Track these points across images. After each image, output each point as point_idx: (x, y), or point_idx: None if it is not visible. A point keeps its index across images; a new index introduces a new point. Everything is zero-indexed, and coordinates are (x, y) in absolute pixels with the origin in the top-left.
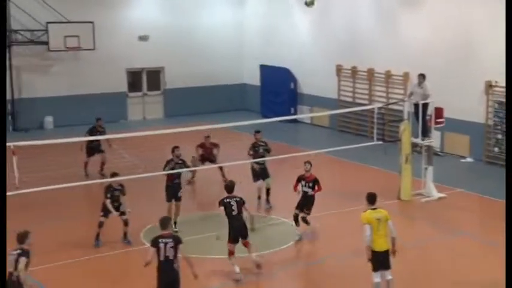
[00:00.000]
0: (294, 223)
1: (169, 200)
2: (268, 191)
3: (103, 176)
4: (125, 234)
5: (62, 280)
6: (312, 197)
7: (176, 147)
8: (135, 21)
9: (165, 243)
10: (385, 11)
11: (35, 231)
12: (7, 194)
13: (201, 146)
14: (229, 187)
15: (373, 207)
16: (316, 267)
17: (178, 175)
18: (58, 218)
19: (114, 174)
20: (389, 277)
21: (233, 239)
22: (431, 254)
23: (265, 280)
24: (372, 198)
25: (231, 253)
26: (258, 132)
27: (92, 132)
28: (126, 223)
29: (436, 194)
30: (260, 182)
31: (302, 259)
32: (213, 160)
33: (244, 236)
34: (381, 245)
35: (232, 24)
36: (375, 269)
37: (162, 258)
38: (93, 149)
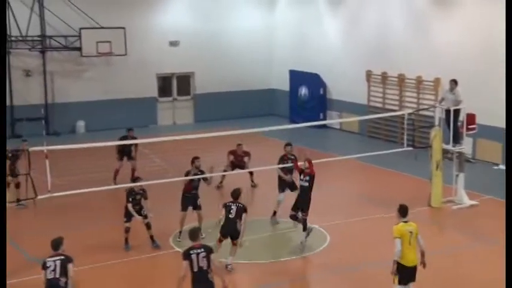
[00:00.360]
0: (294, 223)
1: (184, 209)
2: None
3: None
4: (152, 237)
5: (91, 283)
6: (308, 195)
7: (196, 158)
8: (166, 26)
9: (197, 254)
10: (416, 16)
11: (66, 234)
12: (39, 197)
13: (233, 153)
14: (234, 194)
15: (405, 220)
16: (345, 275)
17: (197, 186)
18: (89, 222)
19: (136, 179)
20: None
21: (222, 234)
22: (462, 261)
23: (296, 286)
24: (404, 211)
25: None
26: (288, 144)
27: (123, 141)
28: (148, 226)
29: (467, 201)
30: (282, 196)
31: (330, 266)
32: (242, 167)
33: (235, 237)
34: (412, 260)
35: (262, 30)
36: (401, 282)
37: (195, 269)
38: (124, 154)
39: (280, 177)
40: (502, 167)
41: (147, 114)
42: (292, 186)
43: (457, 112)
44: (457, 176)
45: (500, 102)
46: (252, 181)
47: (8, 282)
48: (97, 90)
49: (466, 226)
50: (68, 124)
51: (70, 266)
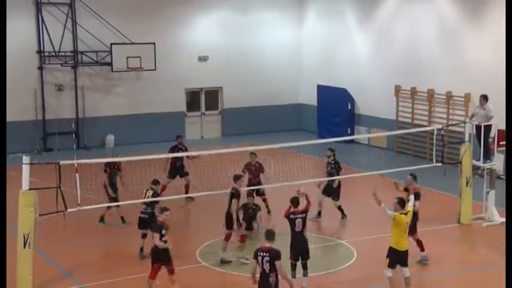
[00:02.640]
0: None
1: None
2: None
3: (190, 198)
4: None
5: None
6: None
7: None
8: (195, 42)
9: (262, 257)
10: (446, 31)
11: (95, 247)
12: (69, 210)
13: (247, 166)
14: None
15: (403, 212)
16: None
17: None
18: (118, 235)
19: (155, 182)
20: (408, 274)
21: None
22: (493, 279)
23: None
24: (403, 203)
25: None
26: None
27: (173, 151)
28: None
29: (498, 219)
30: (325, 199)
31: (356, 283)
32: (258, 184)
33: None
34: (404, 245)
35: (291, 45)
36: (392, 265)
37: (260, 269)
38: (177, 171)
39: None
40: None
41: (175, 128)
42: (334, 194)
43: (488, 128)
44: (487, 192)
45: None
46: (267, 207)
47: None
48: (126, 104)
49: (497, 244)
50: (97, 138)
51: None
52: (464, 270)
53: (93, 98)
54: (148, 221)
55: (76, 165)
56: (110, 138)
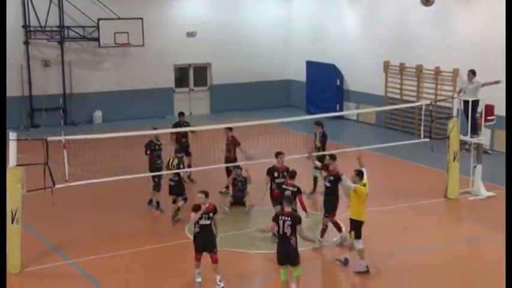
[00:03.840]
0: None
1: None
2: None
3: (192, 181)
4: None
5: (110, 271)
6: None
7: (238, 167)
8: (183, 17)
9: (284, 221)
10: (435, 6)
11: (83, 223)
12: (56, 186)
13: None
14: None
15: (363, 183)
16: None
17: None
18: (106, 211)
19: (178, 151)
20: (362, 246)
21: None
22: (479, 253)
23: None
24: (362, 174)
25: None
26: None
27: (177, 127)
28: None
29: (484, 193)
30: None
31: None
32: (234, 159)
33: None
34: (364, 216)
35: (279, 21)
36: (359, 236)
37: (281, 232)
38: (183, 149)
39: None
40: None
41: (163, 104)
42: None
43: (475, 103)
44: (474, 167)
45: None
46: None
47: (27, 269)
48: (114, 80)
49: (483, 217)
50: (85, 114)
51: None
52: (450, 244)
53: (80, 73)
54: (177, 188)
55: (64, 141)
56: (98, 114)
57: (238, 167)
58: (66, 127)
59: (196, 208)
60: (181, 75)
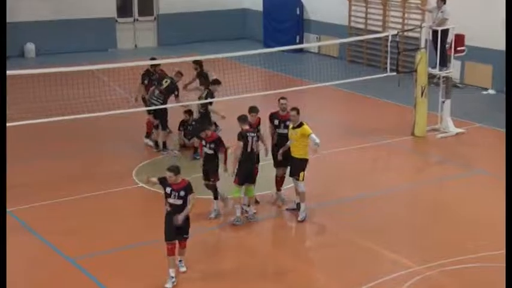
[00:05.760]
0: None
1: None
2: None
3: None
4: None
5: (47, 220)
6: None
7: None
8: None
9: (252, 137)
10: None
11: (20, 168)
12: None
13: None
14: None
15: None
16: (316, 209)
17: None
18: (43, 156)
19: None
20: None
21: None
22: (447, 193)
23: (270, 219)
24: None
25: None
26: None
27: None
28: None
29: (453, 130)
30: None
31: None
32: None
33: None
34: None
35: None
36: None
37: (248, 149)
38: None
39: None
40: (492, 91)
41: (104, 36)
42: None
43: (444, 33)
44: (443, 102)
45: (492, 22)
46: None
47: None
48: (49, 8)
49: (451, 155)
50: (16, 47)
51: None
52: (418, 183)
53: (9, 0)
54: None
55: None
56: (30, 47)
57: (189, 111)
58: None
59: (163, 182)
60: (124, 3)
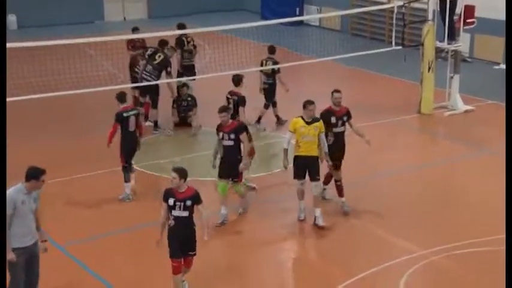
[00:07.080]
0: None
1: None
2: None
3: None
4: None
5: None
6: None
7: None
8: None
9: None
10: None
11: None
12: None
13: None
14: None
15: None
16: (330, 191)
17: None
18: (30, 135)
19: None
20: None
21: None
22: (456, 173)
23: (276, 203)
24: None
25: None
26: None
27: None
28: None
29: (462, 107)
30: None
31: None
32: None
33: None
34: None
35: None
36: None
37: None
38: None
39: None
40: (503, 66)
41: (91, 8)
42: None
43: (453, 4)
44: (451, 77)
45: None
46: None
47: None
48: None
49: (460, 134)
50: None
51: None
52: (425, 165)
53: None
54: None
55: None
56: (11, 19)
57: (185, 85)
58: None
59: (167, 195)
60: None
